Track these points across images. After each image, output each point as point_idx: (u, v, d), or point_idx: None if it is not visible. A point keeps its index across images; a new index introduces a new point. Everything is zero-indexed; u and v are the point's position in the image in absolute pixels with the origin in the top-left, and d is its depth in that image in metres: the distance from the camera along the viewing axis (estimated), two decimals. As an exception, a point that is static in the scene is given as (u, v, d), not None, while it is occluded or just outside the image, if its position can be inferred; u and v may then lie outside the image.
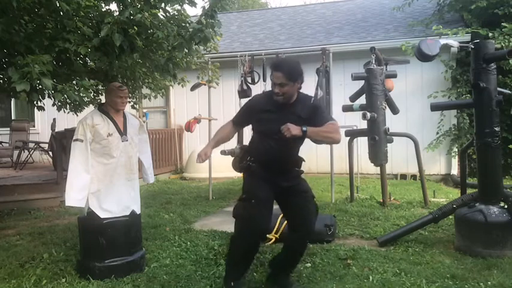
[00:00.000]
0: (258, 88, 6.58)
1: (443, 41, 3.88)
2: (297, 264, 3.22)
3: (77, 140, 3.31)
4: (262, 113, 2.93)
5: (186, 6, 4.04)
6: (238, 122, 3.16)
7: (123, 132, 3.48)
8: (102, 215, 3.36)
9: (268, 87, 6.65)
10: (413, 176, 8.19)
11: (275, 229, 4.19)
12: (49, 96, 4.17)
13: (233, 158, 6.58)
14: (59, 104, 4.86)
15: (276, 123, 2.78)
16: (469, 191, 4.52)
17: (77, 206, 3.31)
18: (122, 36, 3.32)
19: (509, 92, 4.35)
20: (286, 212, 3.05)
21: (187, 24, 4.08)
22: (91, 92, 4.59)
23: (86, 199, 3.30)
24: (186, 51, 4.11)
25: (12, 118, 10.83)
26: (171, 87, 7.69)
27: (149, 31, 3.70)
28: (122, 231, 3.43)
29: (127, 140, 3.50)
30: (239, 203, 2.95)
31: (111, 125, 3.42)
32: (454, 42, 4.01)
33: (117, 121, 3.47)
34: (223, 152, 6.57)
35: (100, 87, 5.02)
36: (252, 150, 3.02)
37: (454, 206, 4.07)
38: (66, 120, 9.06)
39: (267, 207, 2.88)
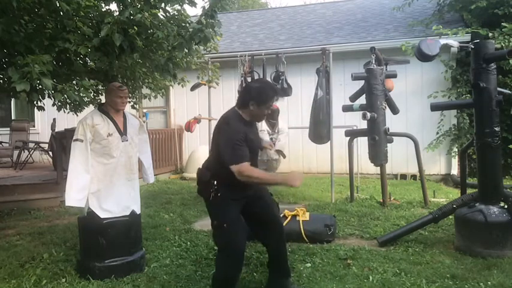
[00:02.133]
0: (258, 88, 6.59)
1: (443, 41, 3.88)
2: (287, 257, 3.17)
3: (77, 140, 3.32)
4: (248, 136, 2.77)
5: (186, 6, 4.04)
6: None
7: (123, 132, 3.48)
8: (102, 215, 3.36)
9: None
10: (413, 176, 8.19)
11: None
12: (49, 96, 4.17)
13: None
14: (59, 104, 4.86)
15: (256, 141, 2.91)
16: (469, 191, 4.52)
17: (77, 206, 3.31)
18: (122, 36, 3.32)
19: (509, 92, 4.35)
20: (256, 214, 2.94)
21: (187, 24, 4.08)
22: (91, 92, 4.59)
23: (85, 199, 3.30)
24: (186, 51, 4.11)
25: (12, 118, 10.82)
26: (171, 87, 7.68)
27: (149, 31, 3.70)
28: (122, 231, 3.43)
29: (127, 140, 3.50)
30: (215, 233, 2.85)
31: (111, 125, 3.42)
32: (454, 42, 4.01)
33: (117, 121, 3.47)
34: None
35: (100, 87, 5.02)
36: (227, 178, 2.69)
37: (454, 206, 4.07)
38: (66, 120, 9.06)
39: (241, 225, 2.81)
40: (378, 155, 5.59)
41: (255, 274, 3.36)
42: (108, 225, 3.37)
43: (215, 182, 2.77)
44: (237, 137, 2.67)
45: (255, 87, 2.85)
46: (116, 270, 3.37)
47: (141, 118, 8.18)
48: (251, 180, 2.65)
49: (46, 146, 9.08)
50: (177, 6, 4.03)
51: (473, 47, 3.86)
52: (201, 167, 2.95)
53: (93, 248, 3.39)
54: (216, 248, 3.92)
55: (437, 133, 8.22)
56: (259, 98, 2.78)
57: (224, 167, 2.67)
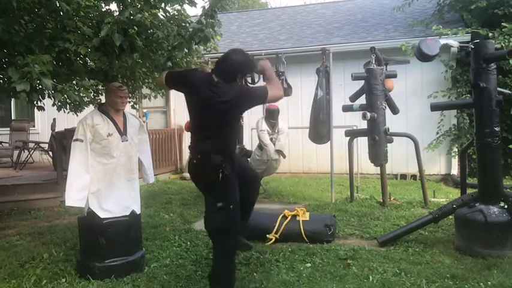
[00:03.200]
0: (258, 88, 6.58)
1: (443, 41, 3.88)
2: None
3: (77, 140, 3.32)
4: None
5: (186, 7, 4.04)
6: None
7: (123, 132, 3.48)
8: (102, 215, 3.36)
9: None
10: (413, 176, 8.19)
11: (275, 229, 4.20)
12: (49, 96, 4.16)
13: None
14: (59, 104, 4.85)
15: None
16: (469, 191, 4.52)
17: (76, 206, 3.32)
18: (122, 36, 3.31)
19: (509, 92, 4.35)
20: (240, 178, 2.97)
21: (187, 24, 4.08)
22: (91, 92, 4.59)
23: (85, 199, 3.30)
24: (186, 51, 4.10)
25: (12, 118, 10.82)
26: (171, 87, 7.67)
27: (149, 31, 3.70)
28: (122, 231, 3.43)
29: (127, 140, 3.50)
30: (215, 214, 2.80)
31: (111, 125, 3.42)
32: (454, 42, 4.01)
33: (117, 121, 3.47)
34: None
35: (100, 87, 5.02)
36: (232, 147, 2.95)
37: (454, 206, 4.07)
38: (66, 120, 9.05)
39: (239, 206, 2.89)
40: (378, 155, 5.59)
41: (255, 274, 3.36)
42: (108, 225, 3.37)
43: (223, 161, 2.78)
44: (249, 87, 2.99)
45: (242, 61, 2.93)
46: (116, 270, 3.37)
47: (141, 118, 8.18)
48: (276, 82, 3.02)
49: (46, 146, 9.08)
50: (177, 6, 4.03)
51: (473, 47, 3.86)
52: (198, 154, 2.86)
53: (93, 248, 3.39)
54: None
55: (437, 133, 8.21)
56: (245, 71, 2.98)
57: (232, 136, 2.95)
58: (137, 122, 3.74)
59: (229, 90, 2.78)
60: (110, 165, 3.41)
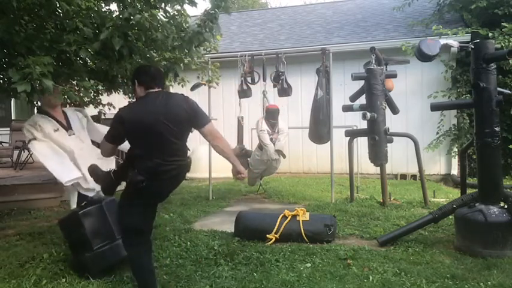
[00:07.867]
0: (258, 88, 6.60)
1: (443, 41, 3.88)
2: None
3: (29, 140, 3.51)
4: None
5: (186, 7, 4.04)
6: None
7: (67, 127, 3.63)
8: (90, 194, 3.47)
9: (269, 87, 6.65)
10: (413, 176, 8.19)
11: (275, 229, 4.20)
12: (49, 97, 4.17)
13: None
14: (59, 104, 4.86)
15: None
16: (469, 191, 4.52)
17: (75, 177, 3.39)
18: (122, 40, 3.32)
19: (509, 92, 4.34)
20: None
21: (187, 28, 4.08)
22: (91, 93, 4.59)
23: (75, 169, 3.46)
24: (186, 51, 4.11)
25: (12, 118, 10.81)
26: (171, 87, 7.68)
27: (148, 33, 3.70)
28: (98, 217, 3.49)
29: (74, 134, 3.67)
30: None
31: (53, 122, 3.63)
32: (454, 42, 4.02)
33: (58, 118, 3.66)
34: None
35: (100, 87, 5.02)
36: None
37: (454, 206, 4.07)
38: (66, 120, 9.06)
39: None
40: (377, 155, 5.59)
41: (255, 274, 3.36)
42: (83, 215, 3.41)
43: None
44: None
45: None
46: (107, 255, 3.40)
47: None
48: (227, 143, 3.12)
49: (46, 146, 9.07)
50: (177, 6, 4.03)
51: (473, 47, 3.86)
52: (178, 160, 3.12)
53: (79, 241, 3.43)
54: (215, 248, 3.97)
55: (437, 133, 8.22)
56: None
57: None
58: (78, 116, 3.88)
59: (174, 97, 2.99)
60: (73, 153, 3.58)
